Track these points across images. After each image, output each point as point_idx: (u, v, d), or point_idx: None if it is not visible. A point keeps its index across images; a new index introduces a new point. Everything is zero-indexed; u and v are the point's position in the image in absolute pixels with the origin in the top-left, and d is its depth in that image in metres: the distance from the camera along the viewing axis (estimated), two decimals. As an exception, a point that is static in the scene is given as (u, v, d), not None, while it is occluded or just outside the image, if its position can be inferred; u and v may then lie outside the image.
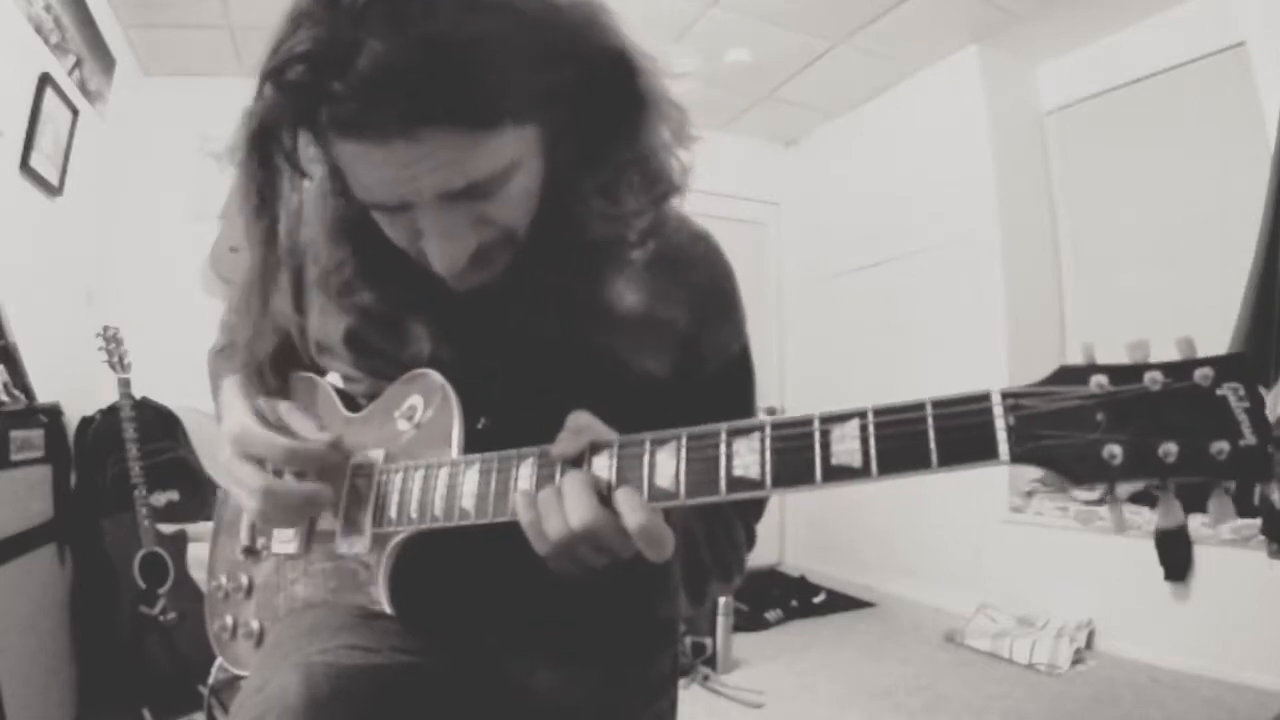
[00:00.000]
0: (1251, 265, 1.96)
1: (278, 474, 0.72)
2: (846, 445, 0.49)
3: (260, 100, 0.56)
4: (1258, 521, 1.95)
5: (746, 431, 0.53)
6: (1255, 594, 2.26)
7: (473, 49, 0.52)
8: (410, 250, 0.64)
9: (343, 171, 0.60)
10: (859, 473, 0.48)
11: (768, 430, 0.52)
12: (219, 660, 0.86)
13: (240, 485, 0.72)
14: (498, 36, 0.53)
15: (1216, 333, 1.95)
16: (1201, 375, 0.41)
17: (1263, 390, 0.41)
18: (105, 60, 2.82)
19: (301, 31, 0.53)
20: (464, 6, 0.52)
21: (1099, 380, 0.44)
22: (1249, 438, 0.40)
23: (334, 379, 0.87)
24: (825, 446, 0.50)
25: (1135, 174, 3.11)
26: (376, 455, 0.73)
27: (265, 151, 0.60)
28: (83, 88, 2.62)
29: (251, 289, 0.72)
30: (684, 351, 0.75)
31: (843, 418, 0.50)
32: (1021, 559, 3.02)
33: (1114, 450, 0.43)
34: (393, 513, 0.68)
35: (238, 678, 0.83)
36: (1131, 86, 3.10)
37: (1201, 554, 2.44)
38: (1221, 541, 2.37)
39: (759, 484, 0.52)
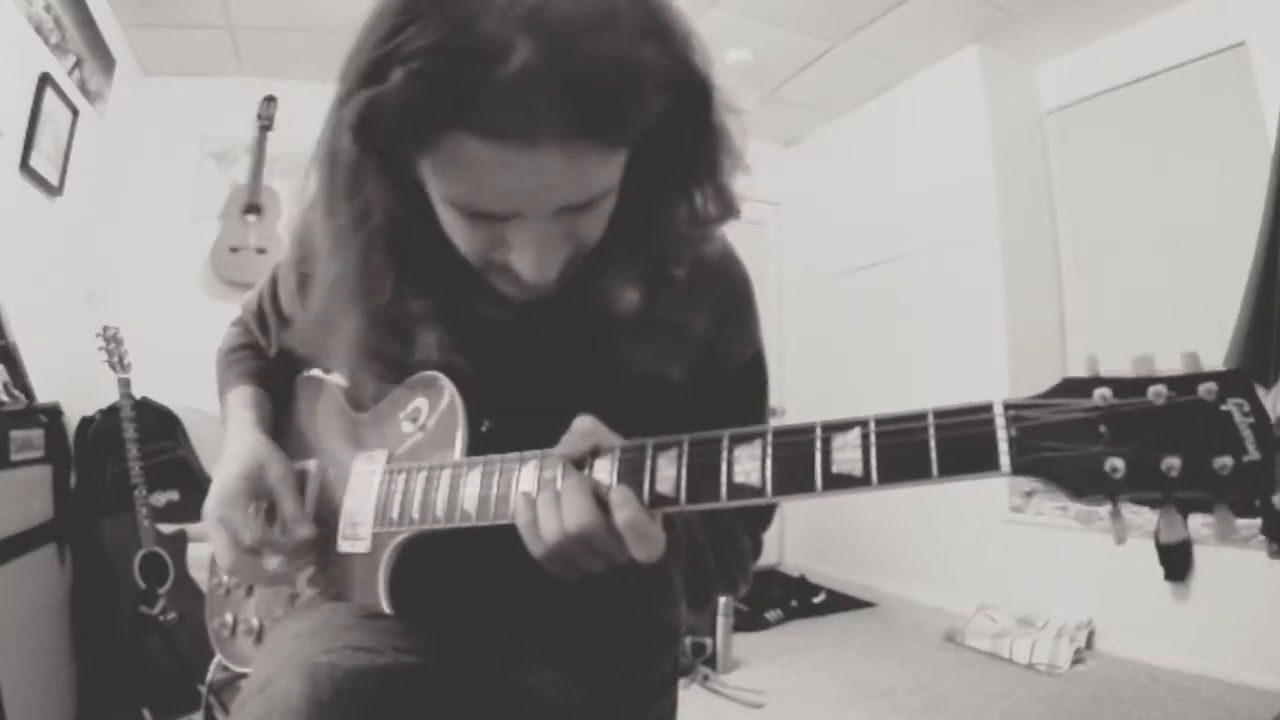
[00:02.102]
0: (1251, 265, 1.96)
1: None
2: (848, 454, 0.49)
3: (381, 85, 0.51)
4: (1258, 521, 1.95)
5: (748, 438, 0.53)
6: (1255, 594, 2.27)
7: (634, 74, 0.52)
8: (478, 259, 0.62)
9: (434, 172, 0.56)
10: (859, 482, 0.48)
11: (769, 438, 0.52)
12: (217, 658, 0.86)
13: (214, 545, 0.75)
14: (649, 63, 0.52)
15: (1216, 332, 1.94)
16: (1206, 390, 0.41)
17: (1262, 391, 0.40)
18: (105, 60, 2.82)
19: (432, 19, 0.49)
20: (637, 31, 0.52)
21: (1102, 393, 0.43)
22: (1253, 453, 0.39)
23: (338, 378, 0.87)
24: (826, 455, 0.50)
25: (1135, 174, 3.11)
26: (380, 457, 0.74)
27: (370, 139, 0.55)
28: (83, 88, 2.62)
29: (346, 281, 0.67)
30: (700, 356, 0.74)
31: (844, 426, 0.50)
32: (1021, 559, 3.02)
33: (1116, 464, 0.42)
34: (394, 513, 0.69)
35: (236, 677, 0.84)
36: (1131, 86, 3.10)
37: (1201, 554, 2.44)
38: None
39: (760, 491, 0.52)
